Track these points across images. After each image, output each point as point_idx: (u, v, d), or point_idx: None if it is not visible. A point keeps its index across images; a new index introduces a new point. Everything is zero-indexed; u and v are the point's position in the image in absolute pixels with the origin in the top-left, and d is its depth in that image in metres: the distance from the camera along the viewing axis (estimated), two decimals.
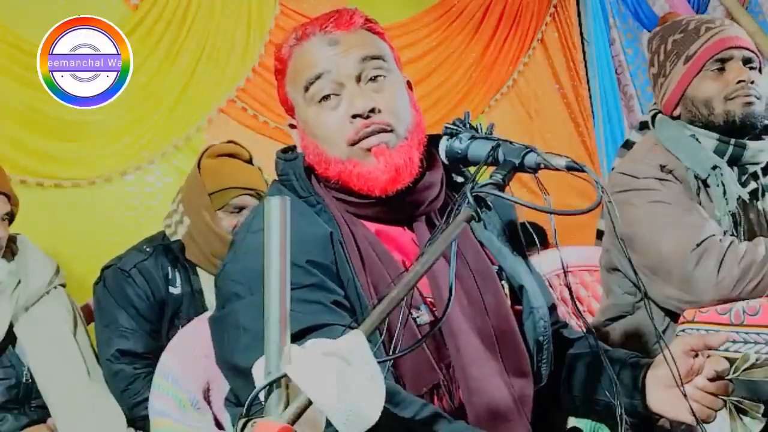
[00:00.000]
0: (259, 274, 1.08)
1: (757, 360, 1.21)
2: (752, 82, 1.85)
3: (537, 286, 1.39)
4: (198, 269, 2.32)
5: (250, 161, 2.40)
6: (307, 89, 1.30)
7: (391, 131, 1.27)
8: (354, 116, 1.26)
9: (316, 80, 1.28)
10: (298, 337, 0.92)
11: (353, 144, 1.27)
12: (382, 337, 1.15)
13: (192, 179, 2.35)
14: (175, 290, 2.28)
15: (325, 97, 1.28)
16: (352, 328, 1.14)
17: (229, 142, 2.46)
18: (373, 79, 1.29)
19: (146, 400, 2.11)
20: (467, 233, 1.34)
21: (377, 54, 1.31)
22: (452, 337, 1.23)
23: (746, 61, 1.88)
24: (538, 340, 1.31)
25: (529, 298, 1.32)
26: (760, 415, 1.19)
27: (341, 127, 1.27)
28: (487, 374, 1.23)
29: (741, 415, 1.19)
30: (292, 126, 1.39)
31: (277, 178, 1.39)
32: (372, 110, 1.26)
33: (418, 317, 1.22)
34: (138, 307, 2.23)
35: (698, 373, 1.21)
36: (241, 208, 2.29)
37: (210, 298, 2.28)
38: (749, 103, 1.84)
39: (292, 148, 1.41)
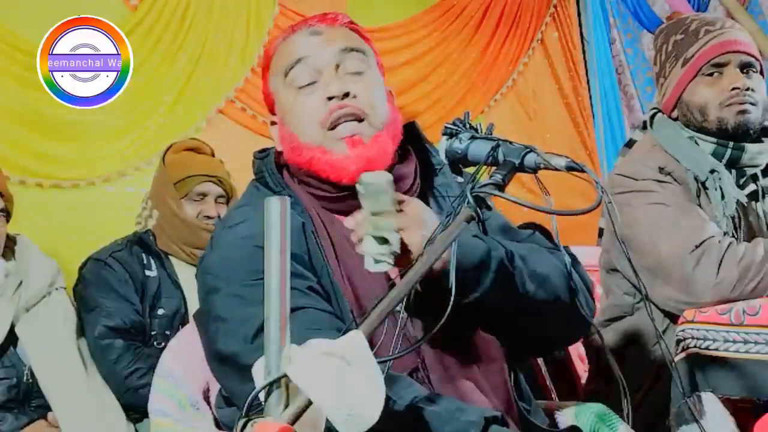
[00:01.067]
0: (235, 265, 1.20)
1: None
2: (748, 89, 1.83)
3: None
4: (169, 256, 2.43)
5: (212, 155, 2.56)
6: (286, 74, 1.33)
7: (365, 121, 1.29)
8: (329, 98, 1.28)
9: (295, 64, 1.32)
10: None
11: (326, 127, 1.28)
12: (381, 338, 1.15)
13: (158, 174, 2.51)
14: (152, 273, 2.38)
15: (301, 87, 1.31)
16: (334, 315, 1.17)
17: (192, 139, 2.75)
18: (351, 71, 1.31)
19: (138, 370, 2.20)
20: None
21: (359, 47, 1.34)
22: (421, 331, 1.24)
23: (745, 65, 1.86)
24: None
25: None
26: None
27: (316, 111, 1.29)
28: (456, 367, 1.25)
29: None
30: (273, 123, 1.41)
31: (254, 178, 1.42)
32: (347, 94, 1.28)
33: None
34: (119, 290, 2.30)
35: None
36: (203, 195, 2.43)
37: (184, 282, 2.39)
38: (743, 111, 1.82)
39: (268, 149, 1.43)
